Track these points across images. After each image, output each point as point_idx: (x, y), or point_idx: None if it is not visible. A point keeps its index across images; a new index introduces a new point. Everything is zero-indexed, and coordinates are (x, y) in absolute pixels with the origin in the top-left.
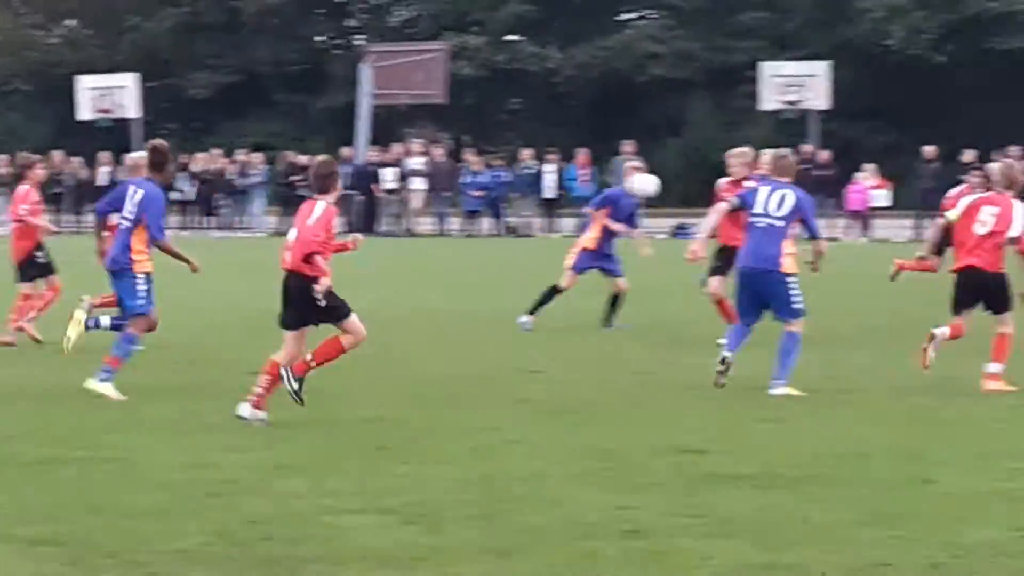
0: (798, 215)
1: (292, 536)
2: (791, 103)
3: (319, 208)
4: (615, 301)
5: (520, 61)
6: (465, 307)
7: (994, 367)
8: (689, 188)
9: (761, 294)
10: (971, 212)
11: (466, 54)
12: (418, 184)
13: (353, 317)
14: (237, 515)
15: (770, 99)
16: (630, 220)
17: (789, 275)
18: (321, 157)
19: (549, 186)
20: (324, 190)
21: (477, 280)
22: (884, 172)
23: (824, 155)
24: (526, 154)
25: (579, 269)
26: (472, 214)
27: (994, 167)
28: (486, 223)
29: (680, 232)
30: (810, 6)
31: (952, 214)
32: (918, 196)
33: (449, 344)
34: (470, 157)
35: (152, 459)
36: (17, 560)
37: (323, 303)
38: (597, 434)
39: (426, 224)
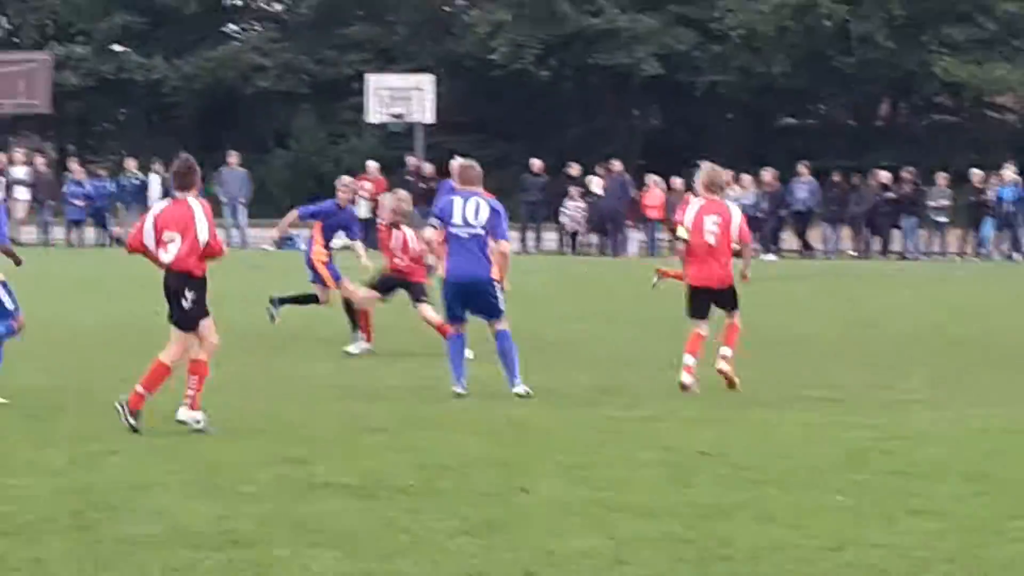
0: (493, 222)
1: None
2: (397, 116)
3: (196, 207)
4: (306, 299)
5: (126, 71)
6: (69, 317)
7: (726, 350)
8: (295, 199)
9: (469, 301)
10: (698, 223)
11: (71, 64)
12: (21, 194)
13: (208, 321)
14: None
15: (376, 112)
16: (333, 233)
17: (496, 281)
18: (182, 155)
19: (155, 196)
20: (186, 187)
21: (81, 290)
22: (490, 186)
23: (429, 168)
24: (131, 164)
25: (338, 277)
26: (76, 224)
27: (699, 175)
28: (90, 233)
29: (287, 243)
30: (416, 20)
31: (684, 233)
32: (525, 209)
33: (52, 354)
34: (74, 167)
35: None
36: None
37: (188, 305)
38: (202, 444)
39: (29, 234)
